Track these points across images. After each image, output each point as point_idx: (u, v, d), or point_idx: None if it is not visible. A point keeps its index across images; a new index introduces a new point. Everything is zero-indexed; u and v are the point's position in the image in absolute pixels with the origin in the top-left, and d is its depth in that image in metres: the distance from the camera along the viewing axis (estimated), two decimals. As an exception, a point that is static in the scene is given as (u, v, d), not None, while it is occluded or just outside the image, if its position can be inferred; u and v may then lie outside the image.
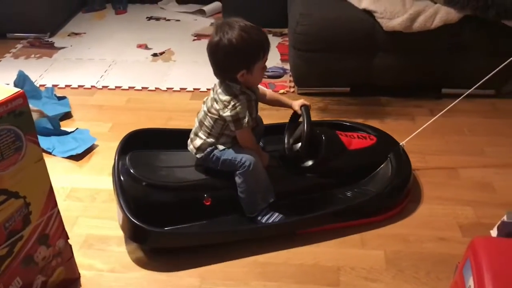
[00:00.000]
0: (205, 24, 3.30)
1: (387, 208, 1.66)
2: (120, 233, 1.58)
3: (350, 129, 1.90)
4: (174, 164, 1.65)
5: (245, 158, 1.54)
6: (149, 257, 1.52)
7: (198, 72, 2.65)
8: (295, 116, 1.72)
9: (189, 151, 1.63)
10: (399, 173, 1.71)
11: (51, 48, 2.97)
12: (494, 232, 1.38)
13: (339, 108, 2.31)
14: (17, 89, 1.08)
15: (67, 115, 2.26)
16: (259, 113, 1.64)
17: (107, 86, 2.52)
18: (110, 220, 1.65)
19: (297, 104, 1.69)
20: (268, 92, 1.75)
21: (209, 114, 1.56)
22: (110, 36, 3.11)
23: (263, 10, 2.93)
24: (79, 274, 1.45)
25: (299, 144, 1.64)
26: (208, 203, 1.56)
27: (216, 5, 3.43)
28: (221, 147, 1.57)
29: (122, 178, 1.56)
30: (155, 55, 2.87)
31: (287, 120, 1.74)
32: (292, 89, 2.47)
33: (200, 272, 1.47)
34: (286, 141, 1.69)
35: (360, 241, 1.58)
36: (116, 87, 2.52)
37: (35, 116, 2.05)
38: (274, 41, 2.92)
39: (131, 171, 1.55)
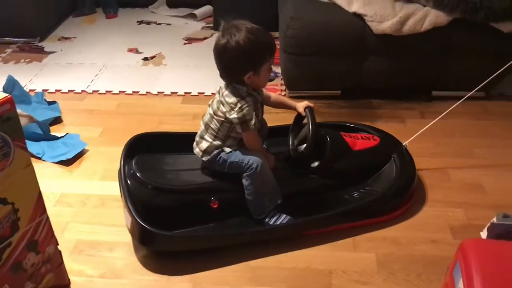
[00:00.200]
0: (196, 28, 3.30)
1: (394, 208, 1.67)
2: (110, 239, 1.57)
3: (353, 130, 1.92)
4: (181, 167, 1.66)
5: (252, 160, 1.54)
6: (140, 262, 1.51)
7: (189, 76, 2.65)
8: (299, 117, 1.74)
9: (194, 154, 1.63)
10: (403, 172, 1.73)
11: (41, 52, 2.95)
12: (484, 234, 1.39)
13: (330, 111, 2.32)
14: (4, 94, 1.07)
15: (57, 120, 2.24)
16: (261, 116, 1.65)
17: (97, 91, 2.51)
18: (101, 226, 1.64)
19: (301, 105, 1.70)
20: (273, 94, 1.76)
21: (215, 116, 1.56)
22: (101, 41, 3.10)
23: (254, 13, 2.89)
24: (69, 280, 1.44)
25: (304, 145, 1.65)
26: (215, 206, 1.56)
27: (207, 8, 3.43)
28: (227, 149, 1.57)
29: (129, 182, 1.56)
30: (146, 59, 2.86)
31: (285, 122, 1.74)
32: (283, 93, 2.47)
33: (192, 277, 1.47)
34: (290, 142, 1.70)
35: (352, 244, 1.58)
36: (106, 91, 2.51)
37: (24, 121, 2.04)
38: (265, 44, 2.92)
39: (138, 175, 1.55)
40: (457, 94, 2.33)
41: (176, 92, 2.49)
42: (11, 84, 2.33)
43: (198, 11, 3.42)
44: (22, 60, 2.84)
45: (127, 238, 1.59)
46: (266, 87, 2.50)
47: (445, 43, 2.21)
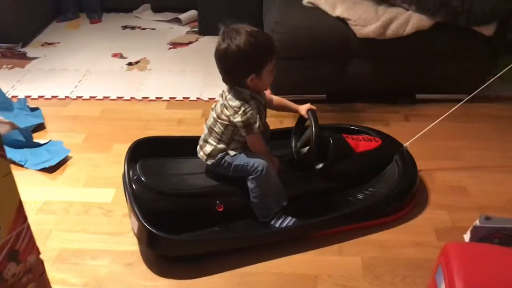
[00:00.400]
0: (181, 32, 3.29)
1: (399, 209, 1.68)
2: (94, 247, 1.56)
3: (355, 132, 1.93)
4: (185, 171, 1.65)
5: (258, 162, 1.54)
6: (124, 270, 1.50)
7: (173, 81, 2.64)
8: (301, 120, 1.74)
9: (197, 158, 1.63)
10: (406, 173, 1.74)
11: (24, 58, 2.91)
12: (467, 236, 1.40)
13: (315, 115, 2.32)
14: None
15: (40, 127, 2.22)
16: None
17: (81, 97, 2.49)
18: (84, 233, 1.62)
19: (303, 108, 1.71)
20: (275, 97, 1.76)
21: (219, 120, 1.56)
22: (85, 46, 3.07)
23: (239, 18, 2.92)
24: (52, 289, 1.42)
25: (307, 148, 1.65)
26: (221, 209, 1.56)
27: (192, 13, 3.42)
28: (232, 152, 1.57)
29: (134, 186, 1.55)
30: (130, 64, 2.84)
31: (285, 126, 1.74)
32: (268, 97, 2.47)
33: (179, 284, 1.46)
34: (293, 145, 1.70)
35: (338, 249, 1.58)
36: (90, 97, 2.49)
37: (6, 128, 2.01)
38: (250, 48, 2.92)
39: (143, 179, 1.54)
40: (440, 97, 2.36)
41: (161, 97, 2.48)
42: (-7, 91, 2.30)
43: (182, 16, 3.41)
44: (4, 66, 2.81)
45: (111, 246, 1.57)
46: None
47: (428, 46, 2.23)
